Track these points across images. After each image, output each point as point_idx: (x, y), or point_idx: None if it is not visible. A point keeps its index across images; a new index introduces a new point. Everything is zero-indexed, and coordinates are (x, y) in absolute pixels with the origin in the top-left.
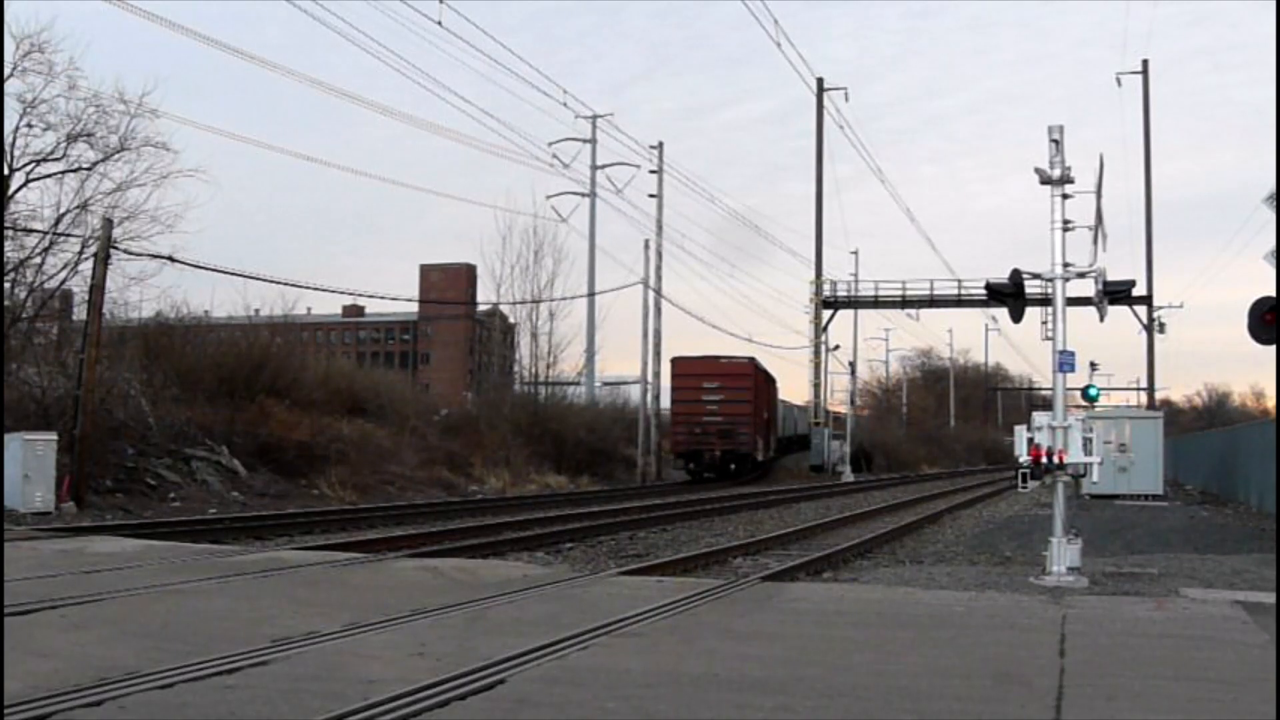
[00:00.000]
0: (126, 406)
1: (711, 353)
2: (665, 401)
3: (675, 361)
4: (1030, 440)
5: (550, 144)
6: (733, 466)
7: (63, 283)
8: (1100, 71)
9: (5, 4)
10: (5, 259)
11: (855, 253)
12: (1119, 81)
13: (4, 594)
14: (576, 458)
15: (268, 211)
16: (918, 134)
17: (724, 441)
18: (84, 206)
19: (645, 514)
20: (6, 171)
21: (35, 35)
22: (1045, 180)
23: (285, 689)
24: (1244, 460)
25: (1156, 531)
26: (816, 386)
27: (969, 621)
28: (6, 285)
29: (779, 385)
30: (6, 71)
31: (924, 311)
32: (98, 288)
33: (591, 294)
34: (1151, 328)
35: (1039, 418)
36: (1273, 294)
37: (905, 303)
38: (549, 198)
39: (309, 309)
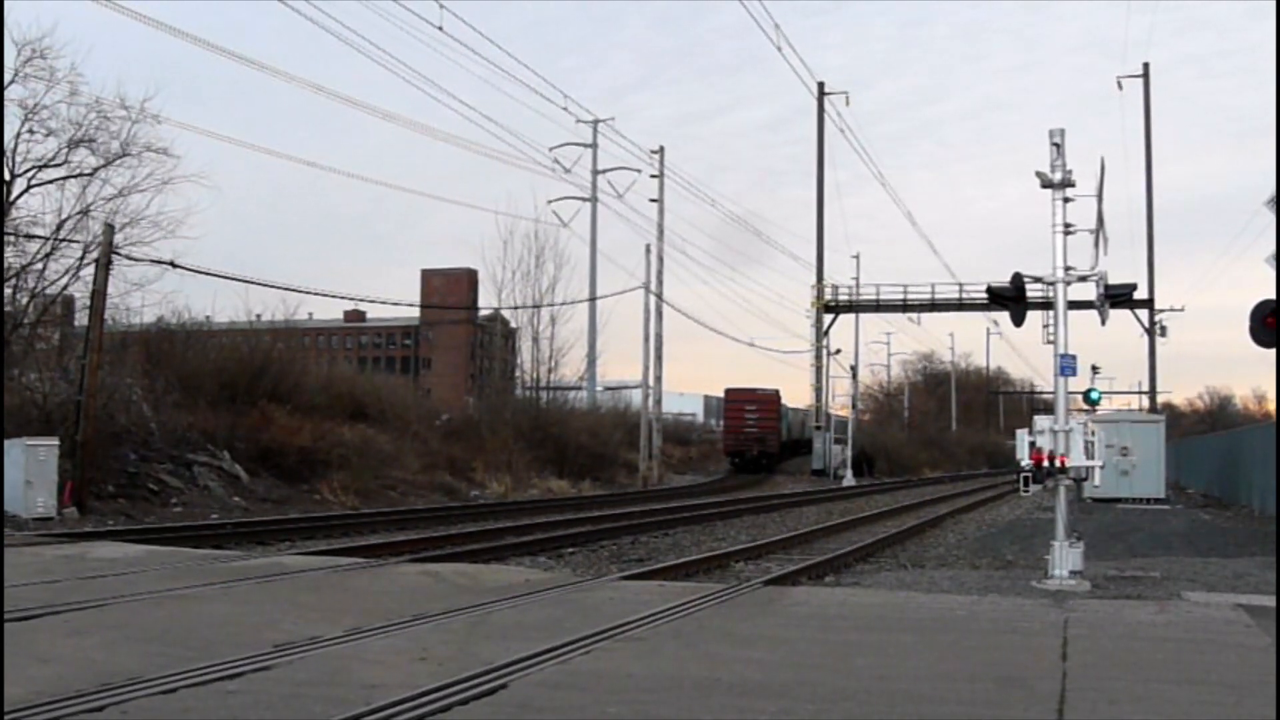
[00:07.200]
0: (128, 412)
1: (747, 385)
2: (667, 406)
3: (728, 391)
4: (1032, 444)
5: (551, 149)
6: (764, 462)
7: (64, 288)
8: (1092, 78)
9: (6, 9)
10: (7, 265)
11: (856, 257)
12: (1120, 85)
13: (4, 599)
14: (578, 462)
15: (269, 217)
16: (912, 140)
17: (758, 445)
18: (85, 212)
19: (647, 518)
20: (8, 177)
21: (37, 41)
22: (1046, 184)
23: (287, 694)
24: (1246, 463)
25: (1158, 535)
26: (818, 391)
27: (971, 625)
28: (8, 291)
29: (780, 390)
30: (8, 77)
31: (925, 315)
32: (99, 293)
33: (593, 298)
34: (1153, 331)
35: (1041, 421)
36: (1274, 297)
37: (906, 306)
38: (550, 202)
39: (310, 314)
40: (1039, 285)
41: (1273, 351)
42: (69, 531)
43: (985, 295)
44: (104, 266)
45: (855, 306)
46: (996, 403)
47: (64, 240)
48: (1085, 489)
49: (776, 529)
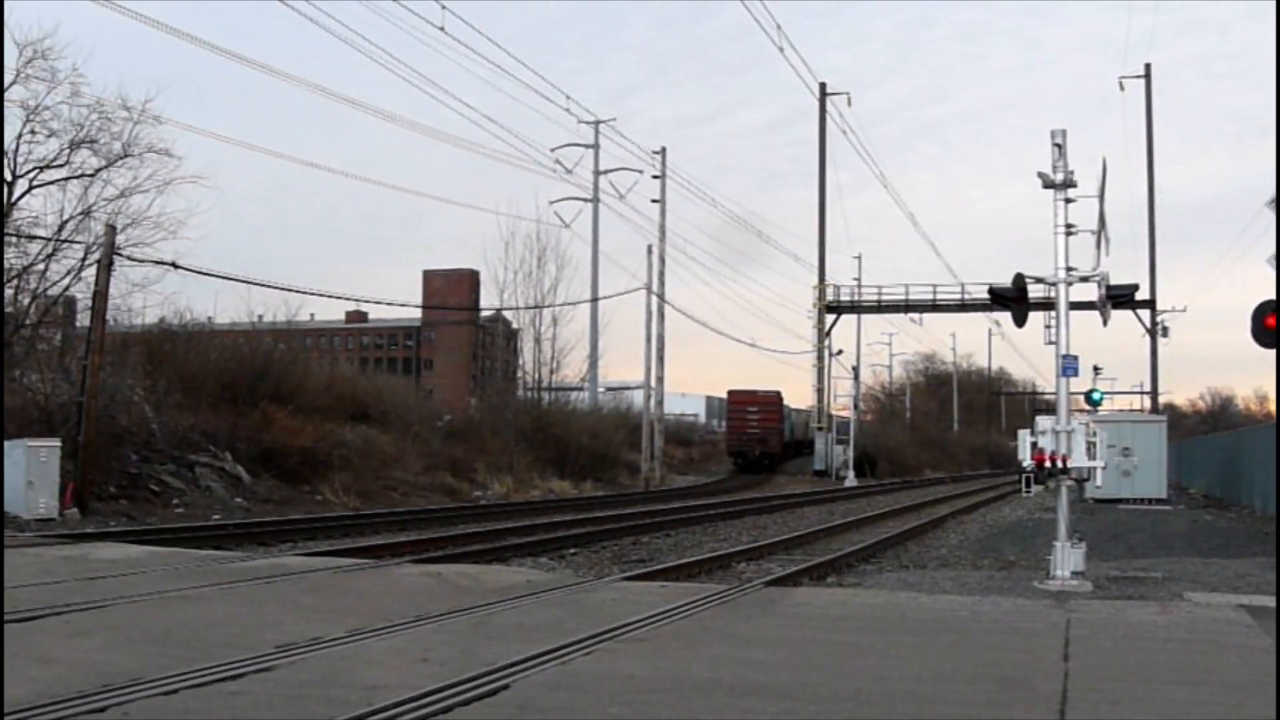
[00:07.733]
0: (130, 413)
1: (749, 386)
2: (669, 406)
3: (730, 393)
4: (1034, 444)
5: (553, 149)
6: (766, 462)
7: (66, 289)
8: (1094, 79)
9: (6, 9)
10: (9, 266)
11: (858, 258)
12: (1121, 85)
13: (5, 600)
14: (580, 463)
15: (270, 218)
16: (913, 141)
17: (760, 445)
18: (87, 213)
19: (649, 519)
20: (10, 178)
21: (38, 42)
22: (1048, 185)
23: (289, 695)
24: (1247, 464)
25: (1160, 535)
26: (820, 391)
27: (973, 626)
28: (10, 292)
29: (782, 391)
30: (9, 78)
31: (927, 316)
32: (101, 294)
33: (595, 299)
34: (1155, 331)
35: (1043, 422)
36: (1275, 297)
37: (908, 307)
38: (552, 203)
39: (312, 315)
40: (1041, 286)
41: (1274, 352)
42: (70, 532)
43: (987, 296)
44: (106, 267)
45: (857, 307)
46: (998, 403)
47: (66, 241)
48: (1087, 489)
49: (778, 530)
